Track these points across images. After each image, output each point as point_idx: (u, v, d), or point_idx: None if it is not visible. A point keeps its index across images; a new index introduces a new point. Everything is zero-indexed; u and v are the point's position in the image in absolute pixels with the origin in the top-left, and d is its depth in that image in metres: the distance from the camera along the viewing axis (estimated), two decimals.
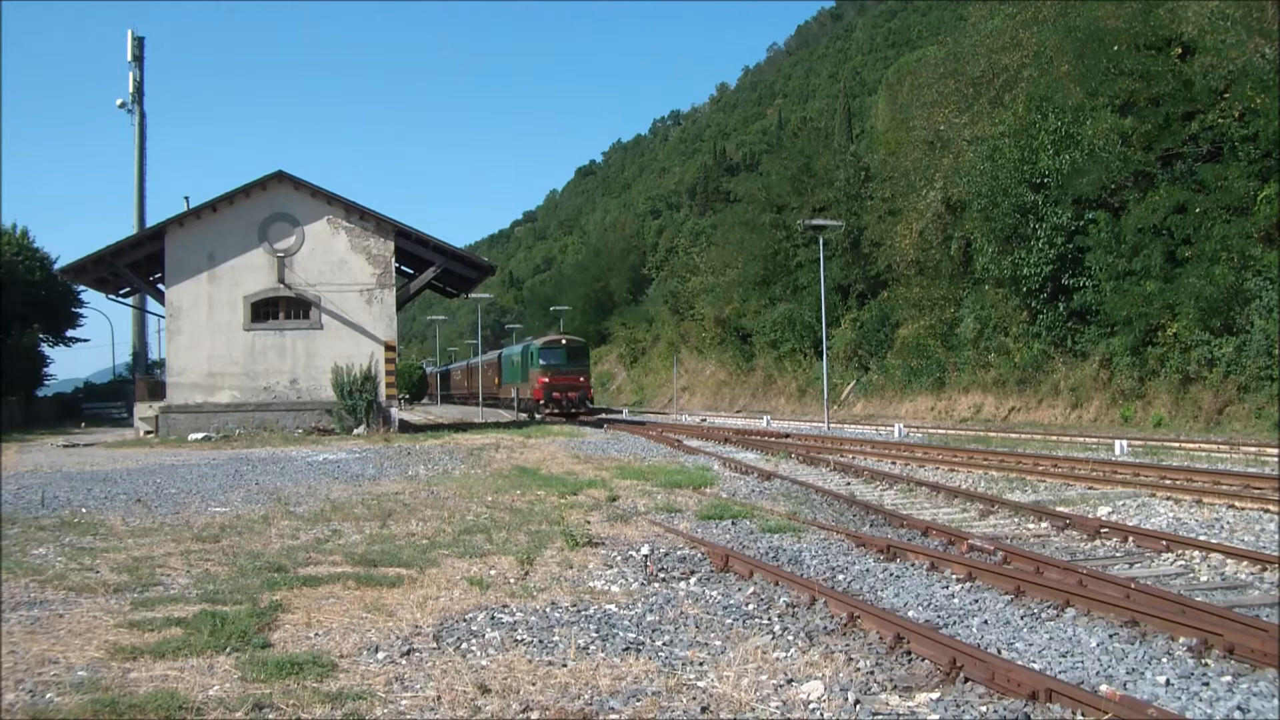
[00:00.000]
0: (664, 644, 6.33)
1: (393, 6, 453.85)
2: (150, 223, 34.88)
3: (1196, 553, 8.88)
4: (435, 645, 6.30)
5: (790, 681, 5.48)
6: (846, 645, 6.22)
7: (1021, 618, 6.92)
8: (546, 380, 41.59)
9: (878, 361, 42.95)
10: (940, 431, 28.31)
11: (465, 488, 15.12)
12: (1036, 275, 30.91)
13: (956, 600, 7.51)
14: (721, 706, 5.09)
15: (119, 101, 40.70)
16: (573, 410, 41.34)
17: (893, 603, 7.55)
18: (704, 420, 41.03)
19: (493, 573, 8.57)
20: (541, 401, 41.64)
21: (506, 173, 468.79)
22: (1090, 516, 10.92)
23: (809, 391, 46.61)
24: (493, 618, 6.98)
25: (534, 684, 5.49)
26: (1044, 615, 6.93)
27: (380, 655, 6.07)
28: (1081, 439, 22.66)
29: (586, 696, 5.27)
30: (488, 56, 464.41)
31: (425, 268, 33.09)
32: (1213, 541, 9.29)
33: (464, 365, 74.47)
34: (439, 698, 5.25)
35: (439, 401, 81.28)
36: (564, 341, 44.81)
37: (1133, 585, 7.24)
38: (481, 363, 61.38)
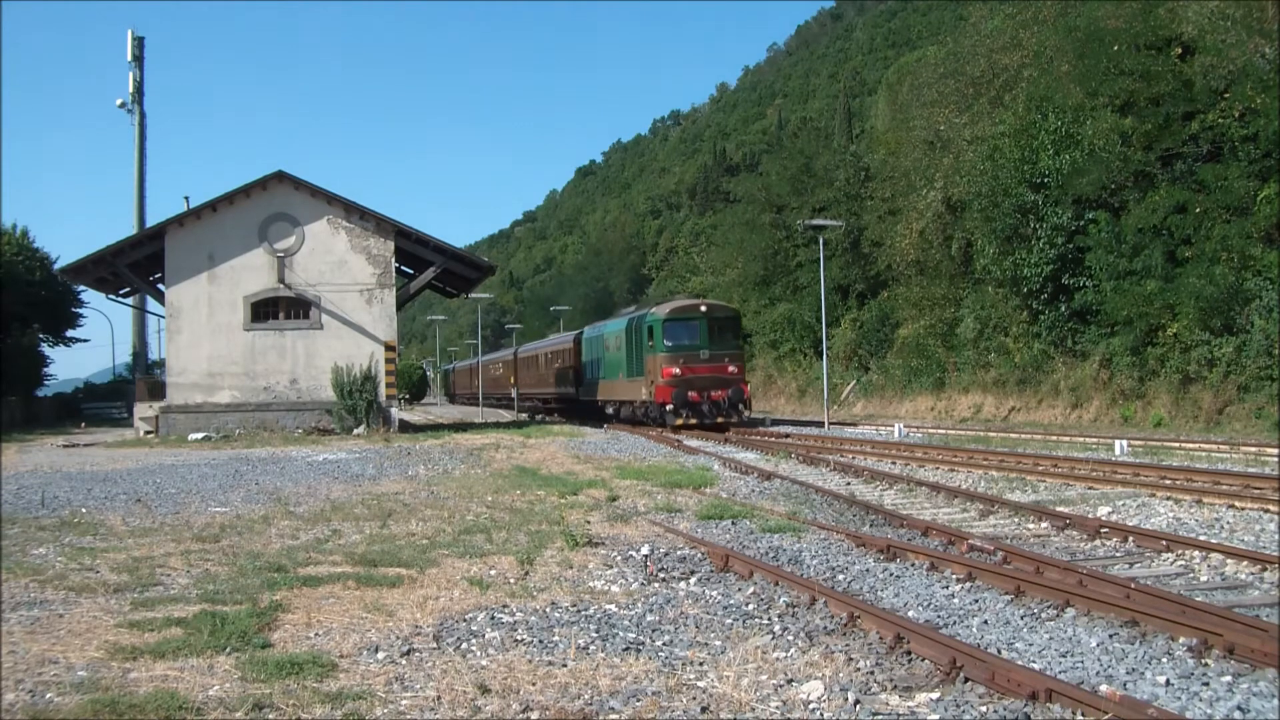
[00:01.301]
0: (664, 644, 6.32)
1: (392, 6, 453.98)
2: (150, 223, 34.95)
3: (1196, 553, 8.87)
4: (435, 645, 6.30)
5: (790, 681, 5.48)
6: (846, 645, 6.22)
7: (1021, 618, 6.92)
8: (676, 372, 27.91)
9: (878, 361, 42.91)
10: (940, 431, 28.29)
11: (465, 488, 15.12)
12: (1037, 275, 30.91)
13: (956, 600, 7.51)
14: (721, 706, 5.08)
15: (119, 101, 40.78)
16: (721, 419, 27.85)
17: (893, 603, 7.55)
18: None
19: (493, 573, 8.57)
20: (669, 406, 27.86)
21: (506, 173, 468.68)
22: (1090, 516, 10.91)
23: (809, 391, 46.54)
24: (493, 618, 6.98)
25: (534, 684, 5.49)
26: (1044, 615, 6.92)
27: (380, 655, 6.08)
28: (1081, 439, 22.64)
29: (586, 696, 5.27)
30: (488, 56, 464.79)
31: (425, 268, 33.10)
32: (1213, 541, 9.28)
33: (498, 357, 57.99)
34: (439, 698, 5.25)
35: (445, 402, 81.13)
36: (703, 309, 29.65)
37: (1133, 585, 7.24)
38: (544, 352, 46.46)
